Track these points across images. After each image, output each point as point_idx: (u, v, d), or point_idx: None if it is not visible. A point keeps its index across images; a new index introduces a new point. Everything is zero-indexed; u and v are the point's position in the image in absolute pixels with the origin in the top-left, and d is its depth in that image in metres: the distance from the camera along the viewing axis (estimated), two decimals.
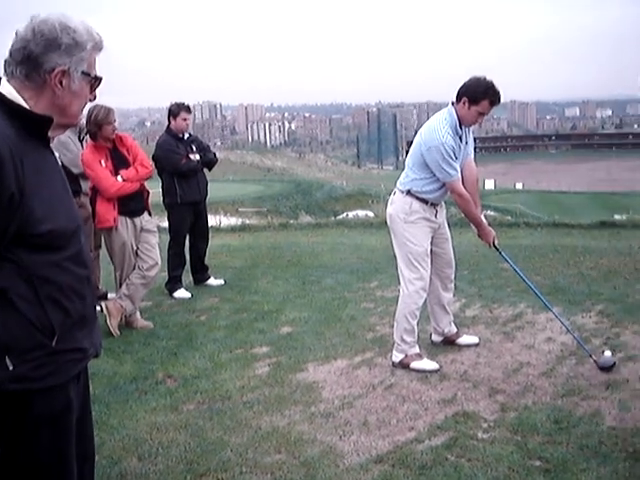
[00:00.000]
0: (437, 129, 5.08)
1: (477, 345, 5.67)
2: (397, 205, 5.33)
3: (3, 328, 2.02)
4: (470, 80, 5.12)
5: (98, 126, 6.13)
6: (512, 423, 4.21)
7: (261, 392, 4.82)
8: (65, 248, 2.11)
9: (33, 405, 2.11)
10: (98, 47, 2.17)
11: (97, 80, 2.20)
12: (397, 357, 5.26)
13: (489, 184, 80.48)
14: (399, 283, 5.32)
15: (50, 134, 2.11)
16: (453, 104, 5.15)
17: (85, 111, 6.20)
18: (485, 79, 5.08)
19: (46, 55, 2.06)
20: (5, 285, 2.02)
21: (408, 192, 5.26)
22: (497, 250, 5.50)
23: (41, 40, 2.04)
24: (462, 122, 5.13)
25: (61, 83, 2.09)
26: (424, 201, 5.23)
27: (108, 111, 6.15)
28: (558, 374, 5.01)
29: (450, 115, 5.13)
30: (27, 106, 2.06)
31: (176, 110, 7.66)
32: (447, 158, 5.03)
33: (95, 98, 2.23)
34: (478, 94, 5.03)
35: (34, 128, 2.05)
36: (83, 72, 2.13)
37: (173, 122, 7.69)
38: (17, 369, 2.04)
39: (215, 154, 8.27)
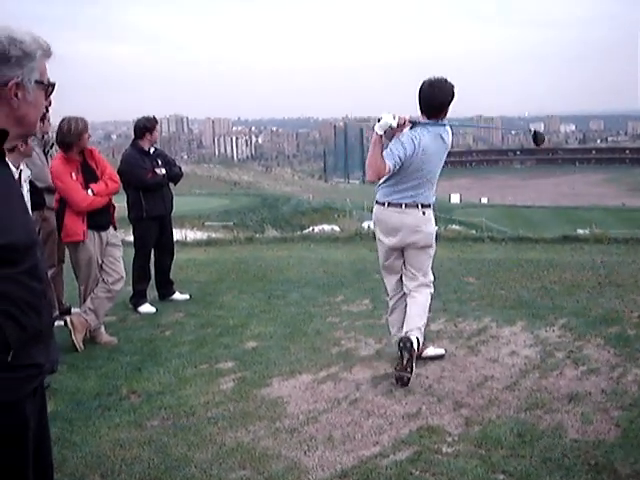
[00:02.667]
0: None
1: (442, 358, 5.68)
2: None
3: None
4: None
5: (78, 136, 6.09)
6: (476, 437, 4.22)
7: (226, 407, 4.79)
8: (21, 262, 2.07)
9: None
10: (47, 54, 2.15)
11: (50, 86, 2.19)
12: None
13: (454, 198, 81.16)
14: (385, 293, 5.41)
15: (7, 146, 2.09)
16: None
17: (55, 125, 6.21)
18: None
19: None
20: None
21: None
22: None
23: None
24: None
25: (16, 95, 2.08)
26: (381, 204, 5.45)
27: (85, 121, 6.17)
28: (522, 388, 5.05)
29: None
30: None
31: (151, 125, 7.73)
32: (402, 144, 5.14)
33: (50, 104, 2.22)
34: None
35: None
36: (36, 81, 2.12)
37: (149, 136, 7.71)
38: None
39: (180, 168, 8.27)
